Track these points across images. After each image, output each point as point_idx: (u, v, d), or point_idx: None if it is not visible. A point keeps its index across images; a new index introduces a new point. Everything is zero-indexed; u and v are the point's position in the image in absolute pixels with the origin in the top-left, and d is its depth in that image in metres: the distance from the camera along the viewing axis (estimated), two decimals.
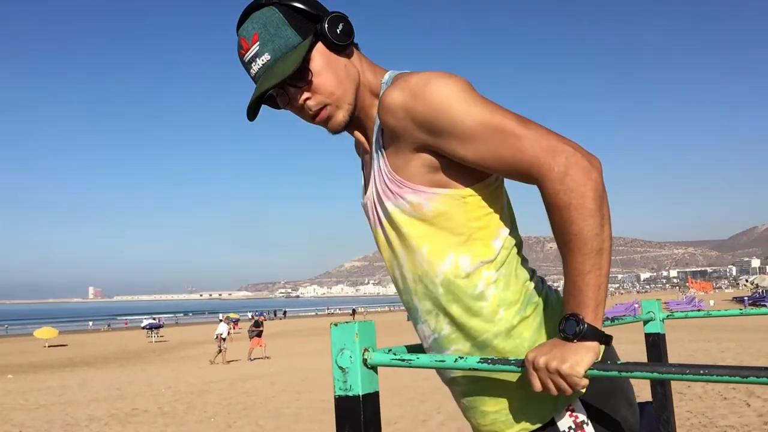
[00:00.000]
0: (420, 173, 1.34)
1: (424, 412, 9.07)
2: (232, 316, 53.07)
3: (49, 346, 37.41)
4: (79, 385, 15.87)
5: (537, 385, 1.17)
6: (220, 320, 32.26)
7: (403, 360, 1.24)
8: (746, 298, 54.17)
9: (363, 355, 1.24)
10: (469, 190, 1.35)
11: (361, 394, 1.23)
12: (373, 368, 1.27)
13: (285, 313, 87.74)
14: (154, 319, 62.35)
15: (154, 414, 10.51)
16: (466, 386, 1.43)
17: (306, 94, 1.38)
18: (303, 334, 39.93)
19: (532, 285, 1.40)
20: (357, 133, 1.51)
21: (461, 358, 1.19)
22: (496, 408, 1.39)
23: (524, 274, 1.40)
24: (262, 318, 28.18)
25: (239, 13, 1.42)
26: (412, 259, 1.39)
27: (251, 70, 1.39)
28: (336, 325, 1.27)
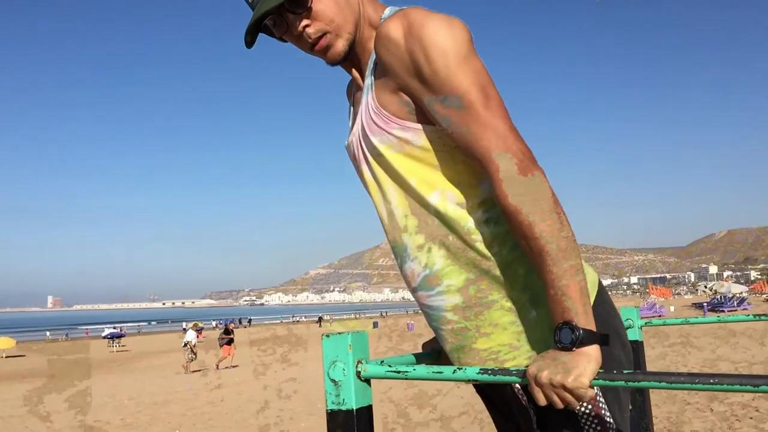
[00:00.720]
0: (405, 111, 1.32)
1: (393, 421, 9.04)
2: (199, 324, 52.45)
3: (6, 357, 36.44)
4: (38, 396, 15.44)
5: (542, 400, 1.13)
6: (184, 329, 31.81)
7: (399, 372, 1.20)
8: (705, 304, 55.26)
9: (356, 367, 1.20)
10: None
11: (354, 408, 1.18)
12: (367, 381, 1.22)
13: (250, 321, 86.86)
14: (115, 328, 61.33)
15: (116, 426, 10.27)
16: (457, 324, 1.37)
17: (305, 21, 1.34)
18: (269, 342, 39.55)
19: None
20: (353, 71, 1.48)
21: (460, 369, 1.15)
22: (487, 346, 1.35)
23: None
24: (232, 325, 27.64)
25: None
26: (401, 193, 1.37)
27: None
28: (328, 336, 1.22)
